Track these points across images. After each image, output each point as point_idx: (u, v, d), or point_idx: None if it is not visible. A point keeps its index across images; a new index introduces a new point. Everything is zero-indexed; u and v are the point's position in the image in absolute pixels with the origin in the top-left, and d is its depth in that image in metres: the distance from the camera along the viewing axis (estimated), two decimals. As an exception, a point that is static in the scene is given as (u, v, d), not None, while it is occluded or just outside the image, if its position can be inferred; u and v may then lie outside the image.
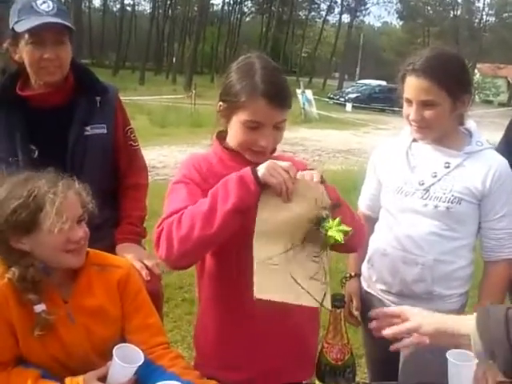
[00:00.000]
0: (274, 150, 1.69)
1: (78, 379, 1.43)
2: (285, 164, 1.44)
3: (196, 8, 44.49)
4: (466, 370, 1.53)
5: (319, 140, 15.25)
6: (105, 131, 2.07)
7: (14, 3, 1.95)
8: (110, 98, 2.13)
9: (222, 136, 1.67)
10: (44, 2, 1.89)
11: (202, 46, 50.89)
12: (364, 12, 59.71)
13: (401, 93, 1.85)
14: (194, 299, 4.15)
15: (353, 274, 2.13)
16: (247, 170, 1.45)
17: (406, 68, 1.80)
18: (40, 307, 1.44)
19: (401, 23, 65.67)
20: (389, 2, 59.97)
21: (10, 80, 2.01)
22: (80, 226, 1.49)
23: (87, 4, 57.59)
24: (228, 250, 1.56)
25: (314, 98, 21.87)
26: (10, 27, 1.90)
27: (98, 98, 2.07)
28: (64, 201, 1.42)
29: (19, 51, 1.93)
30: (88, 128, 2.04)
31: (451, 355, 1.54)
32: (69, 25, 1.92)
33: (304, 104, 20.26)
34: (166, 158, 10.52)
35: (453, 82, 1.76)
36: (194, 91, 19.58)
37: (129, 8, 54.97)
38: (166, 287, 4.07)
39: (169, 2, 50.48)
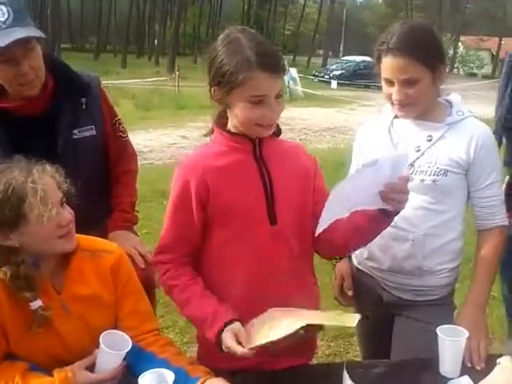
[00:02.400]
0: (278, 132, 1.65)
1: (66, 369, 1.42)
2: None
3: (176, -12, 43.79)
4: (456, 345, 1.55)
5: (305, 119, 15.20)
6: (94, 132, 2.00)
7: None
8: (94, 94, 2.03)
9: (221, 123, 1.63)
10: (2, 14, 1.70)
11: (184, 26, 50.29)
12: (346, -13, 59.25)
13: (378, 72, 1.81)
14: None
15: None
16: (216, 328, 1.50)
17: (380, 48, 1.76)
18: (36, 303, 1.42)
19: (383, -3, 65.39)
20: (371, -24, 59.58)
21: None
22: (64, 208, 1.46)
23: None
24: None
25: (299, 76, 21.79)
26: None
27: (83, 100, 1.97)
28: (45, 187, 1.38)
29: None
30: (76, 131, 1.96)
31: (441, 330, 1.56)
32: (37, 35, 1.76)
33: (289, 82, 20.15)
34: (152, 142, 10.45)
35: (429, 55, 1.73)
36: (177, 73, 19.42)
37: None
38: (156, 273, 4.06)
39: (148, -17, 49.76)
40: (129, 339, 1.45)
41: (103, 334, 1.43)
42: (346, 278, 2.08)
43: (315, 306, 1.69)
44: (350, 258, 2.09)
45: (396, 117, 1.90)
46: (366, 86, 26.94)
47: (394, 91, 1.77)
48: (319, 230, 1.47)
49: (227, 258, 1.61)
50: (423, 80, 1.74)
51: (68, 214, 1.47)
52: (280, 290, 1.61)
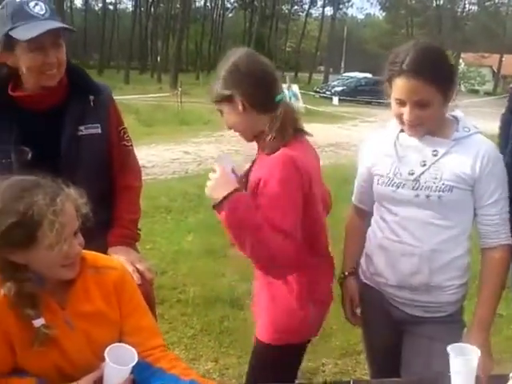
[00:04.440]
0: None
1: None
2: None
3: (178, 5, 44.16)
4: (468, 363, 1.53)
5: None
6: (99, 131, 2.05)
7: (0, 8, 1.87)
8: (104, 97, 2.10)
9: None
10: (36, 5, 1.84)
11: (186, 43, 50.67)
12: (347, 4, 59.93)
13: (387, 91, 1.81)
14: (189, 299, 4.14)
15: (346, 273, 2.10)
16: None
17: (392, 68, 1.75)
18: (39, 322, 1.41)
19: (384, 14, 65.91)
20: (371, -6, 60.11)
21: (0, 82, 1.97)
22: (76, 237, 1.45)
23: (69, 4, 57.08)
24: None
25: (300, 93, 21.88)
26: (2, 33, 1.83)
27: (91, 97, 2.04)
28: (63, 220, 1.36)
29: (14, 56, 1.87)
30: (82, 128, 2.00)
31: (453, 349, 1.54)
32: (70, 27, 1.92)
33: (290, 99, 20.23)
34: (154, 158, 10.46)
35: (443, 77, 1.74)
36: (179, 89, 19.51)
37: (111, 7, 54.63)
38: (160, 289, 4.06)
39: (151, 0, 50.17)
40: (135, 352, 1.43)
41: (109, 348, 1.42)
42: (355, 297, 2.06)
43: None
44: (357, 274, 2.08)
45: (402, 130, 1.90)
46: (368, 102, 27.03)
47: (406, 112, 1.76)
48: None
49: None
50: (435, 102, 1.74)
51: (78, 246, 1.46)
52: None
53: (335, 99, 25.63)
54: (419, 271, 1.83)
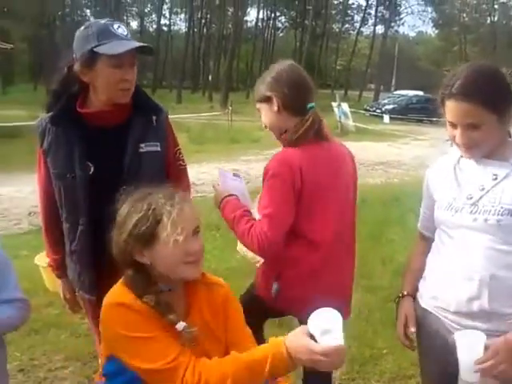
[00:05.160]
0: None
1: (279, 343, 1.43)
2: None
3: (230, 26, 44.98)
4: (474, 348, 1.55)
5: (356, 153, 14.84)
6: (158, 149, 2.14)
7: (83, 28, 2.02)
8: (162, 117, 2.21)
9: None
10: (119, 27, 2.00)
11: (237, 62, 51.40)
12: (398, 22, 59.33)
13: (441, 112, 1.79)
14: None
15: (405, 292, 2.06)
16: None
17: (444, 92, 1.74)
18: (181, 325, 1.49)
19: (436, 32, 65.07)
20: (423, 11, 59.56)
21: (69, 99, 2.08)
22: (196, 237, 1.54)
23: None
24: None
25: (350, 111, 21.78)
26: (85, 50, 1.96)
27: (154, 117, 2.15)
28: (180, 212, 1.48)
29: (93, 73, 1.99)
30: (142, 145, 2.10)
31: (460, 335, 1.59)
32: (152, 47, 2.08)
33: (340, 117, 20.18)
34: (204, 175, 10.61)
35: (495, 99, 1.69)
36: (230, 108, 19.78)
37: (165, 28, 56.04)
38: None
39: (204, 21, 51.27)
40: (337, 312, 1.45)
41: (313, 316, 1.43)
42: (411, 318, 2.01)
43: None
44: (412, 296, 2.03)
45: (462, 156, 1.87)
46: (419, 121, 26.68)
47: (457, 134, 1.75)
48: None
49: None
50: (487, 123, 1.70)
51: (198, 244, 1.55)
52: None
53: (386, 117, 25.36)
54: (478, 297, 1.76)
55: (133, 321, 1.45)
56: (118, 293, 1.52)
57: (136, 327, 1.44)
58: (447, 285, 1.83)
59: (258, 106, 2.24)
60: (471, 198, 1.80)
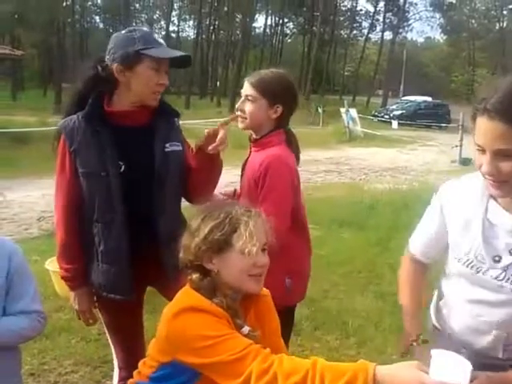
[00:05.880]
0: None
1: (367, 367, 1.32)
2: None
3: (239, 32, 45.14)
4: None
5: (365, 159, 15.13)
6: (180, 148, 2.22)
7: (126, 32, 2.11)
8: (178, 121, 2.32)
9: None
10: (159, 38, 2.16)
11: (245, 68, 51.53)
12: (406, 28, 59.31)
13: (472, 133, 1.47)
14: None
15: (420, 341, 1.79)
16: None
17: (478, 106, 1.40)
18: (246, 329, 1.53)
19: (444, 38, 64.99)
20: (432, 17, 59.49)
21: (98, 97, 2.11)
22: (264, 253, 1.56)
23: (133, 33, 59.28)
24: None
25: (359, 117, 21.77)
26: (129, 50, 2.04)
27: (175, 120, 2.27)
28: (255, 225, 1.52)
29: (131, 73, 2.06)
30: (167, 145, 2.18)
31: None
32: (190, 55, 2.29)
33: (348, 123, 20.19)
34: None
35: None
36: (238, 113, 19.79)
37: (173, 35, 56.32)
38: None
39: (212, 28, 51.47)
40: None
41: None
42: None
43: None
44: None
45: (491, 196, 1.57)
46: (427, 126, 26.63)
47: (485, 162, 1.42)
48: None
49: None
50: None
51: (266, 259, 1.57)
52: None
53: (394, 123, 25.32)
54: (493, 348, 1.64)
55: (211, 322, 1.47)
56: (192, 297, 1.53)
57: (215, 327, 1.46)
58: (463, 334, 1.69)
59: (254, 94, 2.29)
60: (499, 261, 1.55)
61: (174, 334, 1.49)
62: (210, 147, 2.10)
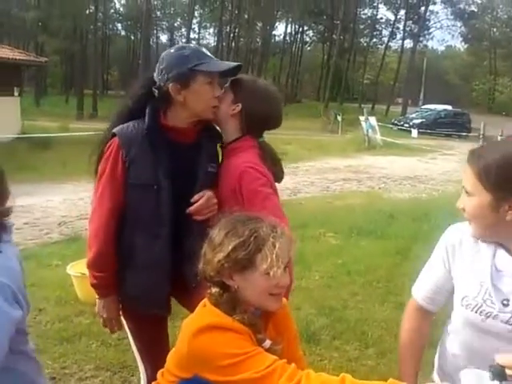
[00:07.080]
0: None
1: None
2: None
3: (258, 40, 45.35)
4: None
5: (384, 167, 15.09)
6: (216, 171, 2.20)
7: (176, 50, 2.12)
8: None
9: None
10: (207, 51, 2.16)
11: (265, 76, 51.68)
12: (427, 37, 58.99)
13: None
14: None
15: None
16: None
17: (472, 159, 1.58)
18: (267, 343, 1.51)
19: (465, 46, 64.47)
20: (453, 26, 59.07)
21: (154, 112, 2.12)
22: (285, 272, 1.53)
23: (155, 40, 60.07)
24: None
25: (378, 125, 21.69)
26: (183, 68, 2.04)
27: (220, 141, 2.24)
28: (281, 246, 1.48)
29: (187, 90, 2.07)
30: (212, 165, 2.20)
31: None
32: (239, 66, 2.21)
33: (368, 131, 20.12)
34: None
35: (501, 183, 1.48)
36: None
37: (194, 42, 56.77)
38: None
39: (232, 35, 51.77)
40: None
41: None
42: None
43: None
44: None
45: (500, 244, 1.60)
46: (448, 135, 26.39)
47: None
48: None
49: None
50: (479, 197, 1.53)
51: (288, 279, 1.56)
52: None
53: (414, 132, 25.12)
54: None
55: (234, 339, 1.44)
56: (213, 314, 1.51)
57: (239, 345, 1.43)
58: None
59: (226, 91, 2.20)
60: (508, 305, 1.54)
61: (196, 353, 1.45)
62: (198, 216, 2.08)
